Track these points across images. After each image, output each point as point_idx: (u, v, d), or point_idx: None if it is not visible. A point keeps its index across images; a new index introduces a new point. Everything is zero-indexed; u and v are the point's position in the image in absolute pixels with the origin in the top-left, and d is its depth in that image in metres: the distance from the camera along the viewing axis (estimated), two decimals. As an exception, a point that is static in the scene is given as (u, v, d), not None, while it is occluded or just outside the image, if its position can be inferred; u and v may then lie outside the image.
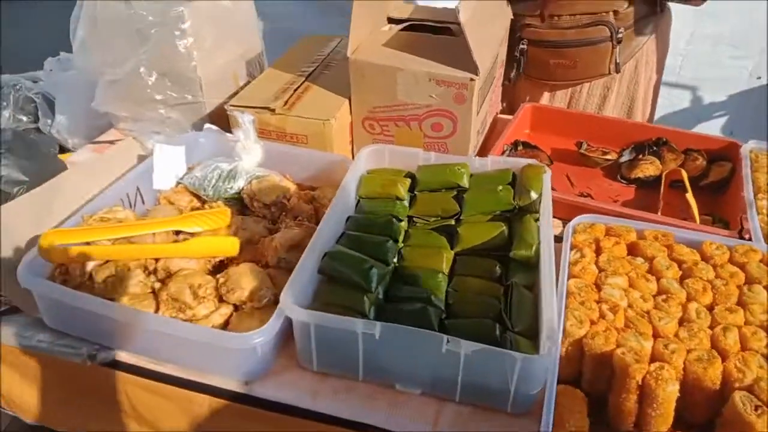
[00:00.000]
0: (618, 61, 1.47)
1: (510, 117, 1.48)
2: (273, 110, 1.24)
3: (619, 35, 1.44)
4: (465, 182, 1.10)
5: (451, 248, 1.01)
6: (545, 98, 1.62)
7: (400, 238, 1.03)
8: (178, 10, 1.26)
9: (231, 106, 1.27)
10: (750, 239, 1.05)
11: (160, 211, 1.04)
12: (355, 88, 1.26)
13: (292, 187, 1.15)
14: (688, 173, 1.28)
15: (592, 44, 1.45)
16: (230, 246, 0.92)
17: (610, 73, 1.51)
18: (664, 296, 0.91)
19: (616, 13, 1.43)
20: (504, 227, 1.01)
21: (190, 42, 1.29)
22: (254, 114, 1.19)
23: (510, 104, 1.67)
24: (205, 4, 1.33)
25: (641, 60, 1.56)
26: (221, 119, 1.31)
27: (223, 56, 1.42)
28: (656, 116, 2.68)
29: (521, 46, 1.50)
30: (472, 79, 1.16)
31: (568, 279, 0.93)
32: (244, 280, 0.86)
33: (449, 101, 1.20)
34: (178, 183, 1.15)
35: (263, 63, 1.60)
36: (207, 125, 1.27)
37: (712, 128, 2.66)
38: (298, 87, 1.33)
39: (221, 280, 0.86)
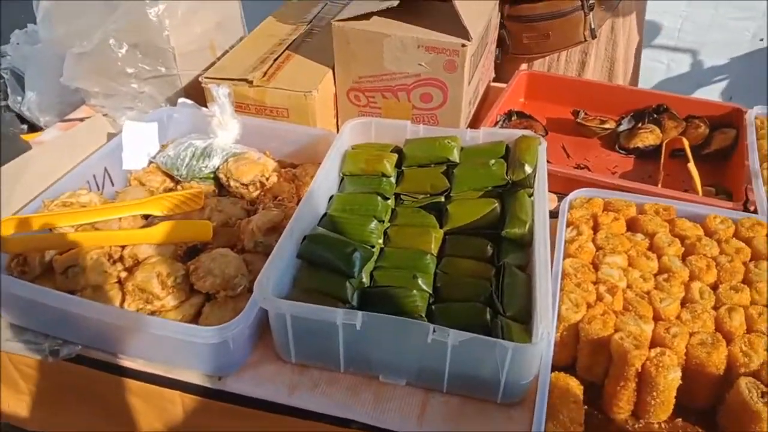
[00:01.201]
0: (593, 26, 1.42)
1: (504, 85, 1.41)
2: (251, 82, 1.16)
3: (591, 2, 1.38)
4: (455, 156, 1.04)
5: (441, 227, 0.95)
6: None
7: (387, 218, 0.98)
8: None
9: (206, 78, 1.19)
10: (755, 212, 1.00)
11: (129, 193, 0.98)
12: (339, 57, 1.19)
13: (272, 165, 1.09)
14: (690, 142, 1.22)
15: (563, 15, 1.40)
16: (202, 230, 0.86)
17: (585, 40, 1.45)
18: (665, 275, 0.86)
19: None
20: (496, 204, 0.95)
21: (161, 9, 1.21)
22: (231, 86, 1.12)
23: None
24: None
25: (617, 20, 1.50)
26: (199, 93, 1.23)
27: (199, 24, 1.33)
28: (655, 81, 2.60)
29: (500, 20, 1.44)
30: (463, 45, 1.09)
31: (564, 258, 0.88)
32: (217, 267, 0.80)
33: (439, 69, 1.13)
34: (150, 162, 1.09)
35: (243, 31, 1.51)
36: (181, 99, 1.20)
37: (713, 93, 2.59)
38: (279, 57, 1.25)
39: (192, 267, 0.81)
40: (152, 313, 0.78)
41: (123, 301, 0.78)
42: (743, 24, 2.41)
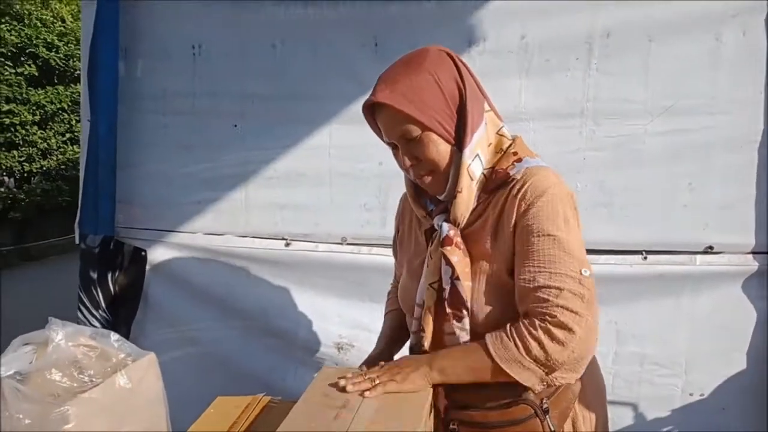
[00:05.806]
0: (552, 429, 1.33)
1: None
2: None
3: (545, 406, 1.32)
4: None
5: None
6: None
7: None
8: (61, 410, 1.17)
9: None
10: None
11: None
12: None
13: None
14: None
15: (516, 423, 1.33)
16: None
17: None
18: None
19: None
20: None
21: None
22: None
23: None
24: (99, 392, 1.26)
25: (578, 416, 1.43)
26: None
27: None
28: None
29: (452, 427, 1.38)
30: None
31: None
32: None
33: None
34: None
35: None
36: None
37: (661, 444, 2.56)
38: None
39: None
40: None
41: None
42: (669, 380, 2.53)
